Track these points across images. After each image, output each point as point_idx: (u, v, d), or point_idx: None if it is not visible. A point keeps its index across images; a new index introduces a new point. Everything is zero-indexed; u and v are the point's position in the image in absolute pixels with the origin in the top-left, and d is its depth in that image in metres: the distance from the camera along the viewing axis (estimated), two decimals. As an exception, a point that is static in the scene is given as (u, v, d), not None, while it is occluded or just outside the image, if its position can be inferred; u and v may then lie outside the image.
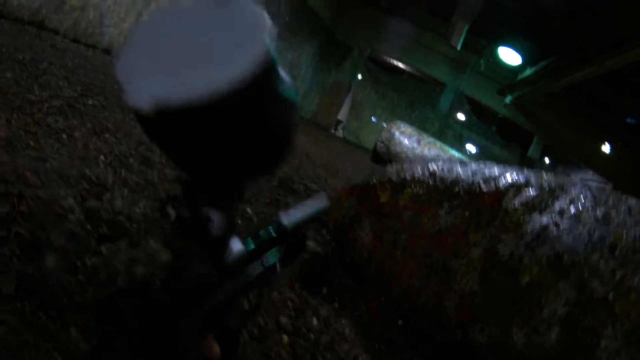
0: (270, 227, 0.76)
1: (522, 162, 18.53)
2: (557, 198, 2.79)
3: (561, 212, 2.75)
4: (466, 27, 13.68)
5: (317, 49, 15.49)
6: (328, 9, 15.47)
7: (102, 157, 2.48)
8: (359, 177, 6.89)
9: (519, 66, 15.08)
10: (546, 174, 3.22)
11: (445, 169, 2.79)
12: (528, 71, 14.60)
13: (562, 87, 13.51)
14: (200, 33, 0.59)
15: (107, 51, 6.79)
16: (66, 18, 6.09)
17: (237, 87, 0.50)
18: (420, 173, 2.69)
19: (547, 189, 2.90)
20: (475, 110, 19.78)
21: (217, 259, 0.65)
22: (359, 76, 18.80)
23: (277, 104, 0.62)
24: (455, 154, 11.33)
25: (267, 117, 0.60)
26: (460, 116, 20.27)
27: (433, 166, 2.77)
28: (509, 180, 2.93)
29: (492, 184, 2.83)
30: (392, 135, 10.90)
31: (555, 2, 10.21)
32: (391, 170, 2.77)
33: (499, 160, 14.41)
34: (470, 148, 20.01)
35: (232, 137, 0.56)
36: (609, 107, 14.91)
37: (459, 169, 2.79)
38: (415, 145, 10.75)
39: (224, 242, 0.66)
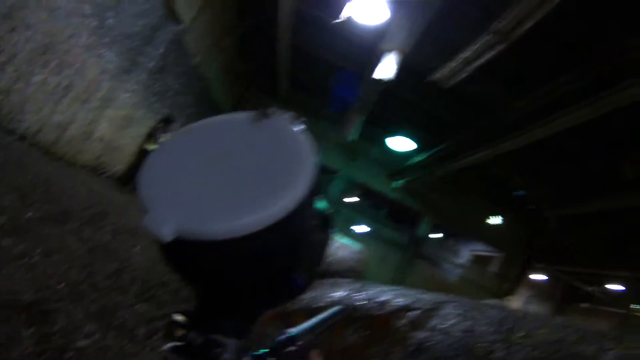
0: (279, 340, 0.74)
1: (412, 241, 19.56)
2: (432, 317, 3.63)
3: (436, 328, 3.58)
4: (361, 120, 14.33)
5: None
6: (229, 100, 16.02)
7: (61, 286, 2.84)
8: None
9: (411, 152, 15.79)
10: (426, 295, 4.08)
11: (348, 296, 3.51)
12: (419, 157, 15.54)
13: (452, 170, 14.61)
14: (237, 156, 0.56)
15: (23, 138, 6.86)
16: (-11, 101, 6.18)
17: (279, 219, 0.47)
18: (328, 301, 3.39)
19: (426, 308, 3.73)
20: (366, 194, 20.53)
21: None
22: None
23: (315, 229, 0.60)
24: (346, 241, 12.04)
25: (305, 243, 0.58)
26: (351, 201, 20.91)
27: (337, 294, 3.48)
28: (397, 304, 3.73)
29: (384, 308, 3.60)
30: (283, 228, 11.43)
31: (447, 93, 10.82)
32: (305, 299, 3.43)
33: (389, 242, 15.25)
34: (361, 230, 20.38)
35: (263, 266, 0.53)
36: (497, 182, 16.37)
37: (358, 297, 3.52)
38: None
39: None
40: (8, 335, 2.06)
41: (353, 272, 10.97)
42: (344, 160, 18.64)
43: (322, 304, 3.40)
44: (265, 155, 0.55)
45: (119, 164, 9.74)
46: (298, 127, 0.59)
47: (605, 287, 19.85)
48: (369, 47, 10.24)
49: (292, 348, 0.73)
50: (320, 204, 0.62)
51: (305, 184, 0.51)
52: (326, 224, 0.64)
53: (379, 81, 9.90)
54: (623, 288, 18.23)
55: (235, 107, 16.70)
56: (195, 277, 0.57)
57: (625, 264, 15.40)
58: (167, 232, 0.47)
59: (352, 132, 14.95)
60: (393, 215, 20.65)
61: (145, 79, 9.32)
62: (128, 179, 9.74)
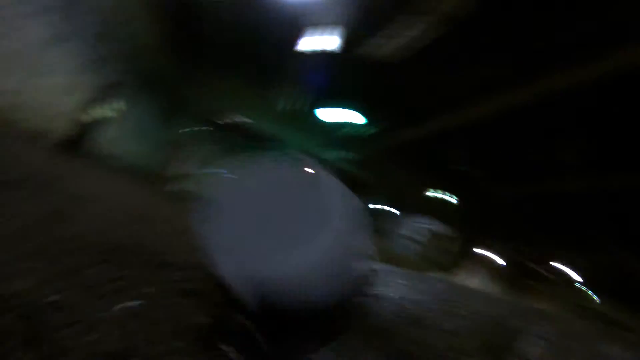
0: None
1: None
2: (375, 285, 3.89)
3: (377, 295, 3.86)
4: (302, 91, 14.78)
5: (159, 106, 15.57)
6: (171, 66, 15.49)
7: (25, 247, 2.91)
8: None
9: (354, 123, 16.18)
10: (369, 263, 4.31)
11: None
12: (363, 129, 15.98)
13: (396, 143, 15.17)
14: (283, 204, 0.62)
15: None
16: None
17: (323, 259, 0.60)
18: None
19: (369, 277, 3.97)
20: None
21: None
22: (197, 131, 18.80)
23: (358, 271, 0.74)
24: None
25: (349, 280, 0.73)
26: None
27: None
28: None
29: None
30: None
31: (385, 67, 11.12)
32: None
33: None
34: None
35: (311, 298, 0.67)
36: (445, 158, 16.92)
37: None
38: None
39: None
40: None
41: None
42: (287, 129, 18.56)
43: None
44: (306, 203, 0.70)
45: (61, 131, 9.50)
46: (333, 179, 0.72)
47: (555, 268, 21.01)
48: (303, 18, 10.23)
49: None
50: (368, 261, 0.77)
51: (340, 229, 0.64)
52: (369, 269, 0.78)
53: (315, 52, 9.97)
54: (571, 270, 19.19)
55: (179, 73, 16.46)
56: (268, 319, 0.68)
57: (573, 247, 16.18)
58: (253, 301, 0.58)
59: (292, 102, 14.97)
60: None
61: (84, 46, 9.10)
62: (72, 146, 9.56)
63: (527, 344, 3.46)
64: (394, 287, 3.84)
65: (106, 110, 10.00)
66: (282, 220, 0.54)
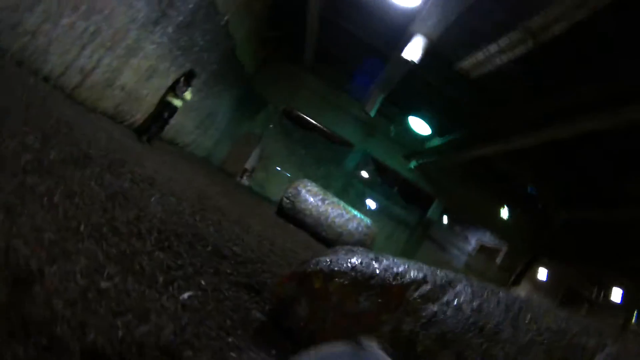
0: None
1: (421, 222, 19.65)
2: (445, 292, 3.63)
3: (448, 303, 3.59)
4: (382, 97, 14.36)
5: (236, 99, 15.83)
6: (253, 62, 15.82)
7: (82, 227, 2.84)
8: (268, 233, 7.37)
9: (428, 136, 16.00)
10: (439, 271, 4.07)
11: (364, 264, 3.51)
12: (436, 141, 15.74)
13: (467, 159, 14.88)
14: None
15: (46, 79, 6.89)
16: (17, 40, 6.12)
17: None
18: (345, 266, 3.40)
19: (439, 284, 3.73)
20: (380, 171, 20.68)
21: None
22: (271, 129, 19.19)
23: None
24: (357, 214, 12.08)
25: None
26: (364, 175, 21.02)
27: (354, 261, 3.48)
28: (411, 276, 3.73)
29: (399, 279, 3.60)
30: (298, 192, 11.49)
31: (470, 83, 11.15)
32: (323, 261, 3.45)
33: (398, 220, 15.40)
34: (371, 205, 20.57)
35: None
36: (510, 177, 16.69)
37: (375, 264, 3.52)
38: (319, 203, 11.39)
39: None
40: (31, 271, 2.06)
41: (361, 246, 11.07)
42: (361, 135, 18.71)
43: (339, 269, 3.41)
44: None
45: (138, 114, 9.73)
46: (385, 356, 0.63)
47: (606, 295, 19.94)
48: (398, 27, 10.37)
49: None
50: None
51: None
52: None
53: (405, 61, 10.01)
54: (621, 297, 18.17)
55: (259, 70, 16.69)
56: None
57: (624, 274, 15.44)
58: None
59: (373, 108, 14.97)
60: (404, 195, 20.81)
61: (172, 32, 9.23)
62: (145, 130, 9.78)
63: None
64: (459, 294, 3.59)
65: (181, 99, 10.16)
66: None
